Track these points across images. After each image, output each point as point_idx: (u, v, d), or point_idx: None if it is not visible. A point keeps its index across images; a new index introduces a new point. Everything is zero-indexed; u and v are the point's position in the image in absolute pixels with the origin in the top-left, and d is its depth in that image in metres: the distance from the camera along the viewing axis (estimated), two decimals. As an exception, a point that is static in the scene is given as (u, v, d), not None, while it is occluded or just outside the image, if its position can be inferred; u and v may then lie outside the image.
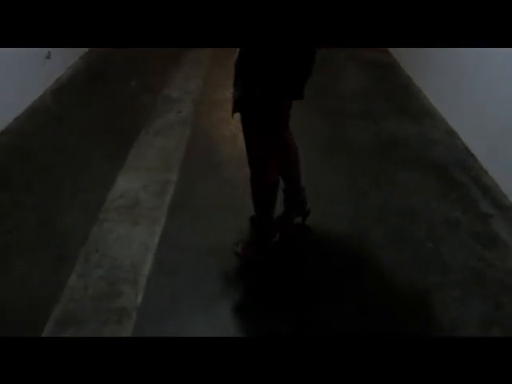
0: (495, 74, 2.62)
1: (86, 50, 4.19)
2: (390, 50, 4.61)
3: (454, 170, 2.73)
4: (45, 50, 3.34)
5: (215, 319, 1.75)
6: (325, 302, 1.85)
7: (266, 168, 1.85)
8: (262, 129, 1.68)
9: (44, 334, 1.64)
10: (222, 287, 1.89)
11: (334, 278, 1.98)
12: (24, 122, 3.01)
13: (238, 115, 1.69)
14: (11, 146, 2.76)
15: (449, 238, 2.21)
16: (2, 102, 2.86)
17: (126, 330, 1.67)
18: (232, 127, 2.86)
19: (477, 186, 2.58)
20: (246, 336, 1.69)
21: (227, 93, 1.79)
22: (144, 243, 2.08)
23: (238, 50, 1.60)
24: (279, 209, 2.09)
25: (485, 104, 2.71)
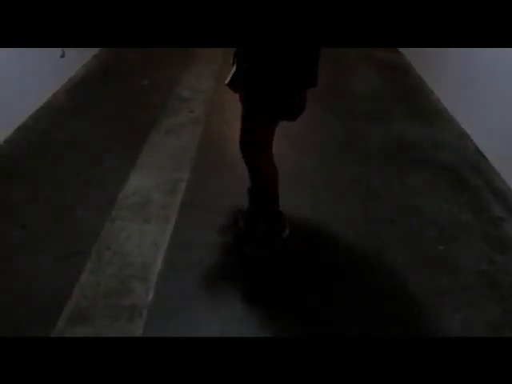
0: (509, 75, 2.60)
1: (100, 48, 4.22)
2: (402, 50, 4.59)
3: (465, 172, 2.71)
4: (59, 49, 3.38)
5: (225, 317, 1.76)
6: (333, 303, 1.85)
7: (265, 160, 1.84)
8: (266, 116, 1.68)
9: (55, 330, 1.67)
10: (233, 286, 1.91)
11: (343, 278, 1.98)
12: (38, 119, 3.05)
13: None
14: (26, 143, 2.79)
15: (460, 240, 2.20)
16: (18, 100, 2.89)
17: (137, 327, 1.69)
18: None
19: (489, 188, 2.57)
20: (254, 336, 1.69)
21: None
22: (155, 241, 2.10)
23: None
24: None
25: (498, 106, 2.69)
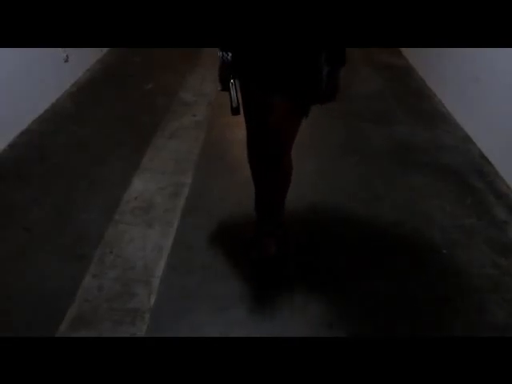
0: (511, 78, 2.59)
1: (104, 52, 4.24)
2: (404, 53, 4.59)
3: (468, 175, 2.71)
4: (63, 54, 3.40)
5: (228, 320, 1.76)
6: (334, 305, 1.85)
7: (287, 153, 1.84)
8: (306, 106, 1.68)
9: (58, 334, 1.67)
10: (235, 288, 1.90)
11: (345, 280, 1.98)
12: (42, 123, 3.06)
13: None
14: (29, 147, 2.80)
15: (463, 243, 2.19)
16: (21, 104, 2.91)
17: (140, 331, 1.69)
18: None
19: (492, 192, 2.56)
20: (258, 336, 1.69)
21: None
22: (158, 245, 2.10)
23: None
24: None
25: (500, 109, 2.69)
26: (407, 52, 4.53)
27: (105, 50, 4.27)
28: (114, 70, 4.03)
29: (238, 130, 3.03)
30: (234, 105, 1.68)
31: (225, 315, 1.78)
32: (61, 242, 2.10)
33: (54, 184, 2.48)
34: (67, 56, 3.44)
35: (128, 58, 4.23)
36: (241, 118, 1.88)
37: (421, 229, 2.28)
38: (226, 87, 1.72)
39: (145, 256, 2.03)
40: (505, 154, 2.68)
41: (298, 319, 1.78)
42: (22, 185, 2.46)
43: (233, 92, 1.69)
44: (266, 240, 2.04)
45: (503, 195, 2.54)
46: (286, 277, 1.99)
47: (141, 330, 1.70)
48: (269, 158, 1.79)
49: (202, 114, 3.34)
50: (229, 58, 1.66)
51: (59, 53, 3.37)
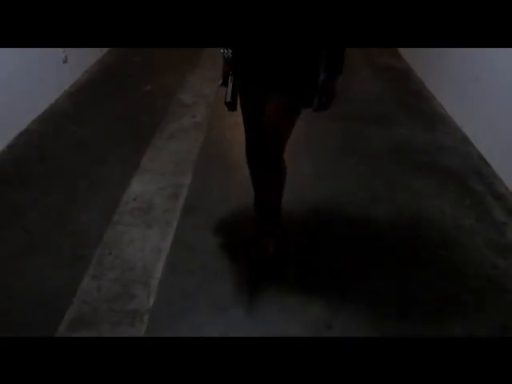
0: (510, 80, 2.59)
1: (103, 53, 4.24)
2: (403, 55, 4.59)
3: (467, 177, 2.71)
4: (62, 55, 3.40)
5: (227, 320, 1.76)
6: (333, 306, 1.85)
7: (282, 152, 1.84)
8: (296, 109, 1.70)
9: (57, 335, 1.67)
10: (235, 289, 1.90)
11: (346, 280, 1.98)
12: (42, 123, 3.06)
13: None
14: (29, 147, 2.80)
15: (462, 245, 2.19)
16: (21, 105, 2.91)
17: (139, 332, 1.69)
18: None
19: (491, 193, 2.56)
20: (258, 336, 1.69)
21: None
22: (157, 246, 2.10)
23: None
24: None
25: (499, 111, 2.69)
26: (406, 54, 4.53)
27: (105, 50, 4.27)
28: (114, 70, 4.03)
29: (237, 130, 3.03)
30: (228, 99, 1.73)
31: (225, 315, 1.78)
32: (60, 243, 2.09)
33: (54, 184, 2.48)
34: (66, 57, 3.44)
35: (128, 58, 4.23)
36: (239, 119, 1.89)
37: (420, 229, 2.28)
38: (226, 82, 1.75)
39: (144, 257, 2.03)
40: (503, 156, 2.68)
41: (297, 319, 1.78)
42: (22, 185, 2.45)
43: (229, 87, 1.71)
44: (265, 240, 2.05)
45: (502, 197, 2.54)
46: (286, 277, 1.99)
47: (140, 330, 1.70)
48: (268, 157, 1.80)
49: (202, 114, 3.34)
50: (229, 54, 1.68)
51: (58, 53, 3.36)
